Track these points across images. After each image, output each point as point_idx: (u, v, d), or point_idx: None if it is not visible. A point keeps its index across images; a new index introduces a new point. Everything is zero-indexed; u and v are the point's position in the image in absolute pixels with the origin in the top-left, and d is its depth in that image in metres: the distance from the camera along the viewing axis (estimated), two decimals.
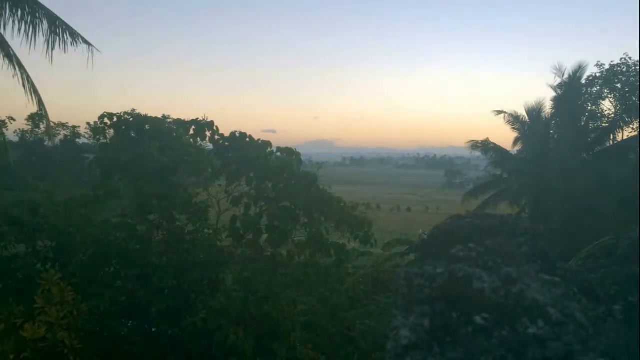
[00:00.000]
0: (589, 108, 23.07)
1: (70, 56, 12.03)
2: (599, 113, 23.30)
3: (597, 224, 15.54)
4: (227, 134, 12.65)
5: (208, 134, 12.71)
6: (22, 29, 11.33)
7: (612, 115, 22.79)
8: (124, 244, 9.16)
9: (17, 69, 11.69)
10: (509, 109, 23.27)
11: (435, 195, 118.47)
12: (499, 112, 23.19)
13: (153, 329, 9.19)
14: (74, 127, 50.19)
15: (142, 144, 12.08)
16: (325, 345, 11.49)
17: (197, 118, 12.69)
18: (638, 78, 21.64)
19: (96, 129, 12.40)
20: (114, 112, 12.27)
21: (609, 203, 17.25)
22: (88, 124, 35.77)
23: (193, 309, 8.79)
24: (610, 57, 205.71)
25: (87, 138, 47.29)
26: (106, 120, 12.13)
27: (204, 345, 8.70)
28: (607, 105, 23.62)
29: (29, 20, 11.36)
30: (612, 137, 21.22)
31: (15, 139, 47.70)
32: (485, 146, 23.57)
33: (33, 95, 12.08)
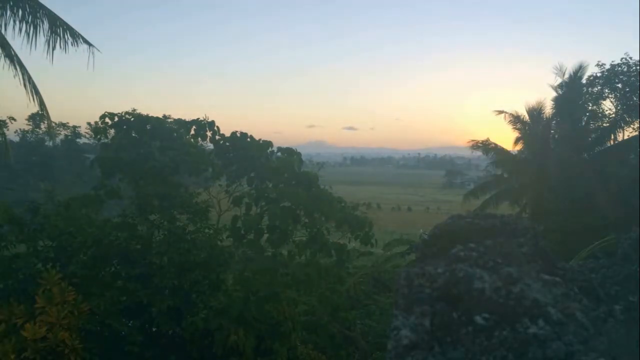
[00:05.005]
0: (590, 108, 23.03)
1: (71, 55, 11.97)
2: (600, 113, 23.25)
3: (597, 224, 15.53)
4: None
5: (209, 133, 12.71)
6: (23, 29, 11.32)
7: (613, 115, 22.75)
8: (125, 244, 9.16)
9: (18, 69, 11.68)
10: (510, 108, 23.26)
11: (436, 195, 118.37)
12: (500, 112, 23.17)
13: (153, 329, 9.19)
14: (74, 127, 50.25)
15: (143, 144, 12.07)
16: (325, 345, 11.50)
17: (198, 118, 12.69)
18: (638, 78, 21.61)
19: (97, 129, 12.39)
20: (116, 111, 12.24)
21: (609, 203, 17.24)
22: (89, 123, 35.75)
23: (194, 309, 8.79)
24: (611, 56, 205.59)
25: (87, 138, 47.31)
26: (107, 120, 12.11)
27: (205, 345, 8.71)
28: (608, 105, 23.59)
29: (29, 20, 11.35)
30: (612, 137, 21.19)
31: (16, 138, 47.74)
32: (486, 146, 23.52)
33: (34, 96, 12.06)
